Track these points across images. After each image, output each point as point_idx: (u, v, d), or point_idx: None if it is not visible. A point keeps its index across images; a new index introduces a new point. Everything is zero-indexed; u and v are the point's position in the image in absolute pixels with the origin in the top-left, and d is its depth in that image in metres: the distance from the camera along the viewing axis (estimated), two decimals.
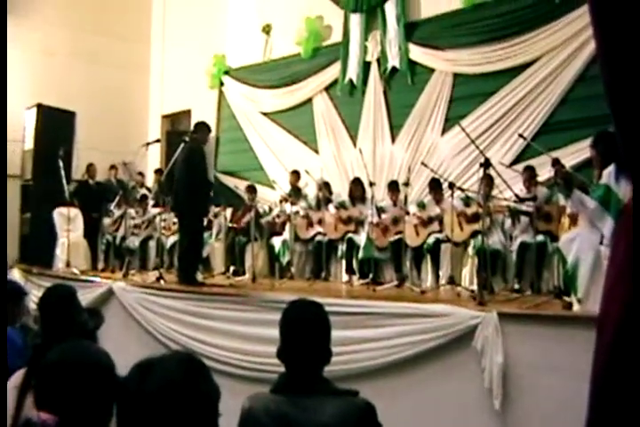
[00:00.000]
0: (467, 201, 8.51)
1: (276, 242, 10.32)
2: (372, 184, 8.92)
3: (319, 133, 11.96)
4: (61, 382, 2.09)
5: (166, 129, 15.54)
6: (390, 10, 10.86)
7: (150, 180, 13.96)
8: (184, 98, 14.70)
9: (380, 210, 9.30)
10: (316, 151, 11.97)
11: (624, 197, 4.60)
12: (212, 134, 11.07)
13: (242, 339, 6.77)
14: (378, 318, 5.87)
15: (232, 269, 10.55)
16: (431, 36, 10.44)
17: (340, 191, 10.49)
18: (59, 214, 11.71)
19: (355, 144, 11.32)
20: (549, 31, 9.00)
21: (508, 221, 8.29)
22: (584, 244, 5.15)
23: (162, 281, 8.64)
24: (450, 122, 10.03)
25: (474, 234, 8.16)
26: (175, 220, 10.12)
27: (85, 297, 8.23)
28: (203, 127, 8.85)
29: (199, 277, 8.76)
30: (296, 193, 10.61)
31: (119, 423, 1.82)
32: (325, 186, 10.29)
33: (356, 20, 11.39)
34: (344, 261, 9.64)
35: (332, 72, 11.77)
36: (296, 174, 10.91)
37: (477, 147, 7.38)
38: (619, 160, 4.53)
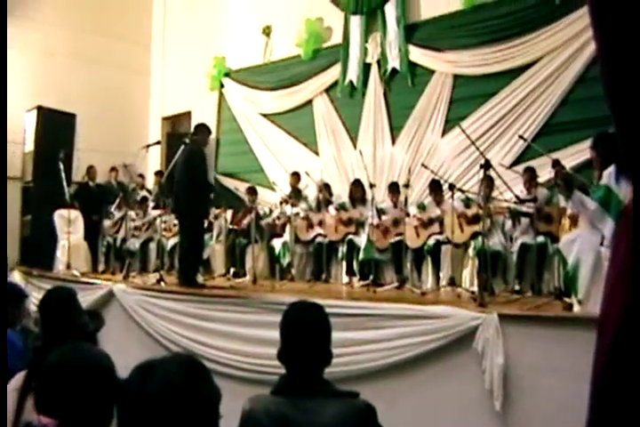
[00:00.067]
0: (467, 202, 8.51)
1: (277, 244, 10.32)
2: (372, 186, 8.92)
3: (319, 135, 11.96)
4: (61, 385, 2.09)
5: (166, 131, 15.54)
6: (390, 11, 10.87)
7: (151, 182, 13.96)
8: (184, 100, 14.71)
9: (380, 211, 9.30)
10: (317, 153, 11.97)
11: (624, 198, 4.60)
12: (213, 136, 11.08)
13: (242, 341, 6.77)
14: (378, 320, 5.87)
15: (232, 270, 10.55)
16: (431, 38, 10.45)
17: (341, 193, 10.49)
18: (59, 216, 11.71)
19: (355, 146, 11.32)
20: (549, 32, 9.01)
21: (509, 223, 8.28)
22: (584, 245, 5.15)
23: (162, 283, 8.63)
24: (450, 123, 10.04)
25: (474, 235, 8.16)
26: (175, 222, 10.12)
27: (86, 299, 8.23)
28: (203, 129, 8.84)
29: (200, 279, 8.75)
30: (296, 195, 10.61)
31: (120, 426, 1.82)
32: (326, 187, 10.29)
33: (356, 21, 11.40)
34: (344, 263, 9.63)
35: (333, 74, 11.78)
36: (296, 176, 10.92)
37: (478, 148, 7.38)
38: (619, 161, 4.53)
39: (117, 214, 12.07)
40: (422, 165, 9.09)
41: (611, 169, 4.92)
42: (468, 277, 8.36)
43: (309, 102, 12.26)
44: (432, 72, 10.42)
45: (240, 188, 11.77)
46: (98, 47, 14.31)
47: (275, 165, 12.49)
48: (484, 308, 5.54)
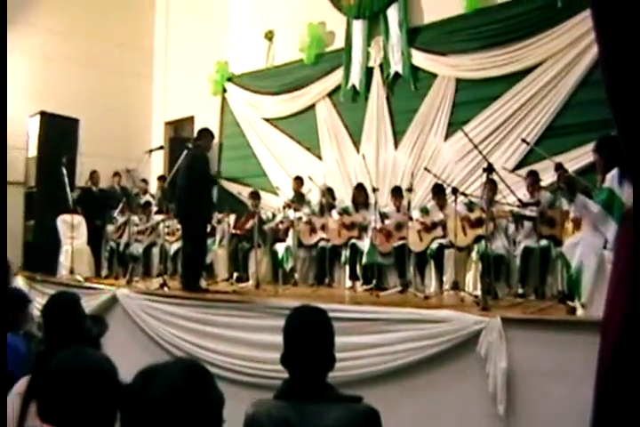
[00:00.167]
0: (470, 206, 8.50)
1: (280, 248, 10.32)
2: (375, 190, 8.94)
3: (322, 139, 11.96)
4: (62, 390, 2.08)
5: (169, 136, 15.56)
6: (393, 15, 10.87)
7: (154, 186, 13.95)
8: (187, 104, 14.73)
9: (383, 215, 9.30)
10: (319, 157, 11.97)
11: (627, 201, 4.60)
12: (216, 141, 11.08)
13: (245, 345, 6.76)
14: (381, 324, 5.86)
15: (235, 275, 10.56)
16: (433, 42, 10.45)
17: (344, 197, 10.51)
18: (62, 221, 11.73)
19: (358, 150, 11.32)
20: (552, 36, 9.01)
21: (512, 226, 8.28)
22: (587, 248, 5.14)
23: (165, 288, 8.64)
24: (453, 127, 10.03)
25: (477, 239, 8.14)
26: (178, 226, 10.13)
27: (89, 304, 8.23)
28: (206, 134, 8.84)
29: (203, 283, 8.76)
30: (299, 199, 10.61)
31: None
32: (328, 192, 10.29)
33: (358, 25, 11.42)
34: (347, 267, 9.64)
35: (335, 78, 11.78)
36: (299, 180, 10.92)
37: (480, 152, 7.39)
38: (622, 164, 4.53)
39: (120, 219, 12.07)
40: (425, 168, 9.10)
41: (614, 172, 4.92)
42: (472, 280, 8.35)
43: (312, 107, 12.26)
44: (434, 76, 10.42)
45: (243, 192, 11.79)
46: (101, 52, 14.34)
47: (277, 169, 12.50)
48: (487, 312, 5.53)
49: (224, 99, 14.02)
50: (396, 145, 10.85)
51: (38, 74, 13.71)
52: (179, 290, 8.37)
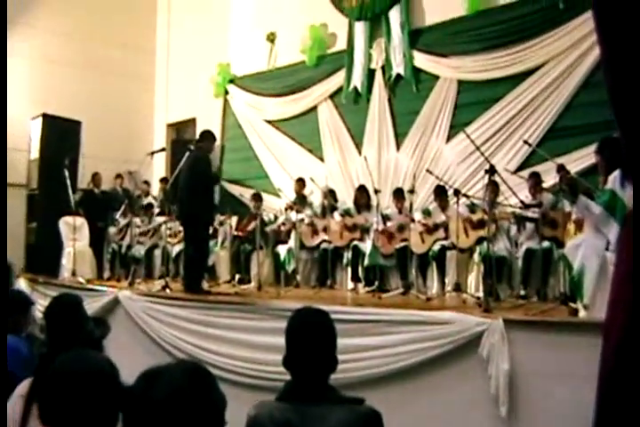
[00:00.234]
0: (472, 208, 8.49)
1: (282, 250, 10.33)
2: (377, 192, 8.93)
3: (324, 141, 11.96)
4: (63, 393, 2.08)
5: (171, 138, 15.56)
6: (395, 17, 10.88)
7: (156, 188, 13.96)
8: (189, 106, 14.74)
9: (385, 217, 9.30)
10: (321, 159, 11.97)
11: (629, 202, 4.60)
12: (218, 143, 11.08)
13: (248, 347, 6.76)
14: (383, 326, 5.86)
15: (237, 277, 10.56)
16: (435, 43, 10.45)
17: (346, 199, 10.51)
18: (64, 223, 11.73)
19: (360, 152, 11.32)
20: (554, 38, 9.01)
21: (514, 228, 8.28)
22: (590, 250, 5.14)
23: (167, 290, 8.64)
24: (455, 129, 10.03)
25: (479, 241, 8.14)
26: (181, 228, 10.11)
27: (91, 306, 8.24)
28: (208, 136, 8.84)
29: (205, 285, 8.75)
30: (301, 201, 10.60)
31: None
32: (330, 193, 10.30)
33: (360, 27, 11.42)
34: (349, 269, 9.63)
35: (337, 80, 11.78)
36: (301, 182, 10.91)
37: (482, 153, 7.39)
38: (624, 166, 4.53)
39: (122, 221, 12.07)
40: (427, 170, 9.10)
41: (616, 173, 4.92)
42: (474, 282, 8.35)
43: (314, 108, 12.26)
44: (436, 78, 10.42)
45: (245, 194, 11.79)
46: (103, 54, 14.33)
47: (279, 171, 12.50)
48: (489, 313, 5.53)
49: (226, 101, 14.02)
50: (398, 147, 10.85)
51: (40, 76, 13.72)
52: (181, 292, 8.38)
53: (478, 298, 7.04)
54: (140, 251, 11.68)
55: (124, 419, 1.83)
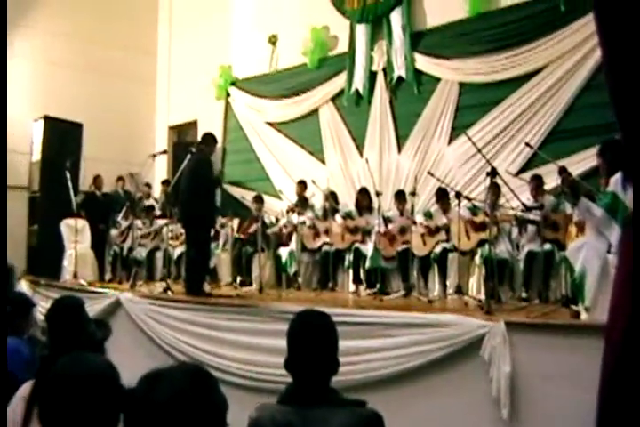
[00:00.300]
0: (474, 210, 8.50)
1: (283, 252, 10.32)
2: (378, 194, 8.93)
3: (325, 144, 11.96)
4: (63, 395, 2.07)
5: (173, 140, 15.58)
6: (396, 20, 10.88)
7: (157, 191, 13.97)
8: (190, 109, 14.74)
9: (386, 220, 9.30)
10: (323, 161, 11.97)
11: (630, 204, 4.59)
12: (219, 145, 11.09)
13: (249, 350, 6.76)
14: (385, 328, 5.86)
15: (239, 279, 10.56)
16: (437, 46, 10.45)
17: (347, 201, 10.51)
18: (66, 226, 11.73)
19: (361, 154, 11.32)
20: (555, 40, 9.01)
21: (515, 230, 8.27)
22: (591, 252, 5.14)
23: (169, 292, 8.63)
24: (456, 131, 10.03)
25: (481, 243, 8.14)
26: (182, 230, 10.12)
27: (93, 308, 8.25)
28: (209, 138, 8.84)
29: (206, 287, 8.74)
30: (303, 203, 10.60)
31: None
32: (332, 196, 10.29)
33: (361, 30, 11.43)
34: (351, 271, 9.63)
35: (338, 82, 11.79)
36: (303, 184, 10.91)
37: (484, 156, 7.39)
38: (625, 168, 4.53)
39: (124, 223, 12.08)
40: (428, 173, 9.11)
41: (617, 176, 4.92)
42: (475, 285, 8.35)
43: (315, 111, 12.27)
44: (438, 80, 10.42)
45: (246, 196, 11.80)
46: (104, 56, 14.34)
47: (281, 173, 12.51)
48: (490, 316, 5.53)
49: (227, 103, 14.02)
50: (400, 149, 10.85)
51: (41, 78, 13.73)
52: (182, 294, 8.38)
53: (480, 300, 7.03)
54: (141, 253, 11.68)
55: (126, 421, 1.83)
